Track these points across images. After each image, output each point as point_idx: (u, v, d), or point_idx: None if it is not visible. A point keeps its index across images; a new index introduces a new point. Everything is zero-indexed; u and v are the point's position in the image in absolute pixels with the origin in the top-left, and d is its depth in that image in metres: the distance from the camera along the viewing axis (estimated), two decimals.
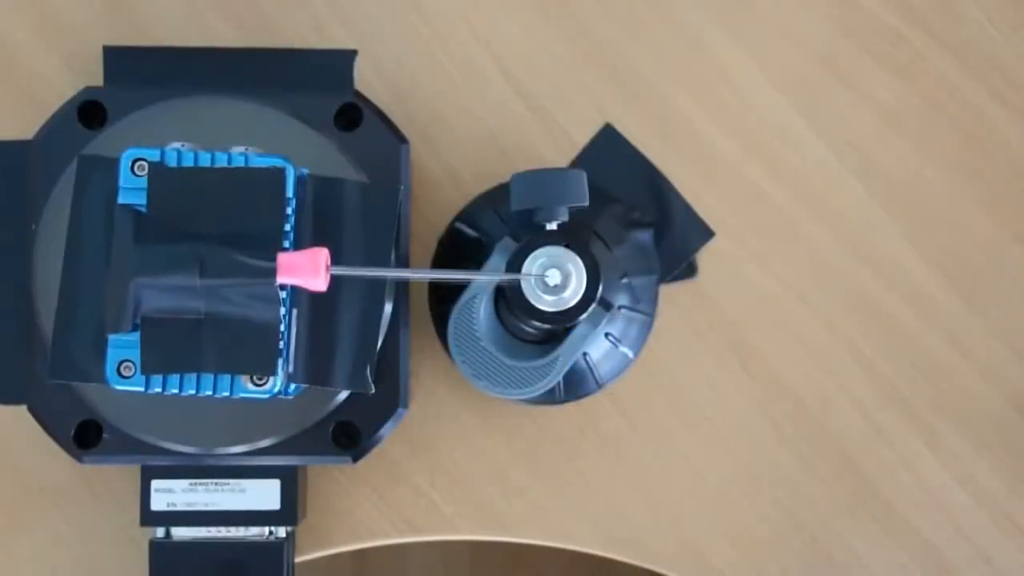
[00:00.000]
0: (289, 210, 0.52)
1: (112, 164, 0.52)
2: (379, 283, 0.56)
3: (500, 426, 0.64)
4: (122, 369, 0.52)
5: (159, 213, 0.52)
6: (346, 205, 0.55)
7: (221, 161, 0.53)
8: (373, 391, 0.55)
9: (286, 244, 0.52)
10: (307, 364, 0.54)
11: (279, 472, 0.60)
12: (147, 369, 0.52)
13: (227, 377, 0.52)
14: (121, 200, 0.52)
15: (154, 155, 0.52)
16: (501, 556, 1.21)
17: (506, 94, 0.65)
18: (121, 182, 0.52)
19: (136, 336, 0.52)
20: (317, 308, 0.54)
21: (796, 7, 0.66)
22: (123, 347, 0.52)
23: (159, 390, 0.52)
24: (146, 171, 0.52)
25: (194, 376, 0.52)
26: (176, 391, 0.52)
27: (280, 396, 0.53)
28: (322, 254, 0.49)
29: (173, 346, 0.51)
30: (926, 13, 0.66)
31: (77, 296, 0.53)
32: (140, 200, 0.52)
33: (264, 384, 0.52)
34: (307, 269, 0.49)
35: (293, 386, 0.54)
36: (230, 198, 0.51)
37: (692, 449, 0.64)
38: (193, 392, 0.52)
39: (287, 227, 0.52)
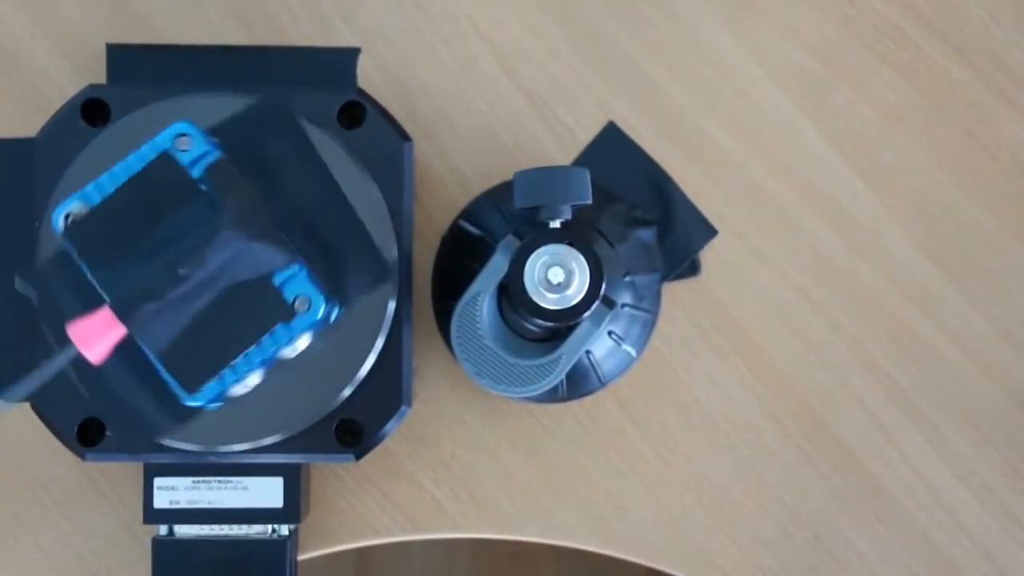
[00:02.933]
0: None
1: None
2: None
3: (503, 424, 0.64)
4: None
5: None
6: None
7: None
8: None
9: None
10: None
11: (282, 470, 0.60)
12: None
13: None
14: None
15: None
16: (502, 554, 1.21)
17: (509, 92, 0.65)
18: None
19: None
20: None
21: (798, 4, 0.66)
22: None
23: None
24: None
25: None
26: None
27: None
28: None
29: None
30: (928, 10, 0.66)
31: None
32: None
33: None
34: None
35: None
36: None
37: (695, 447, 0.64)
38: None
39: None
